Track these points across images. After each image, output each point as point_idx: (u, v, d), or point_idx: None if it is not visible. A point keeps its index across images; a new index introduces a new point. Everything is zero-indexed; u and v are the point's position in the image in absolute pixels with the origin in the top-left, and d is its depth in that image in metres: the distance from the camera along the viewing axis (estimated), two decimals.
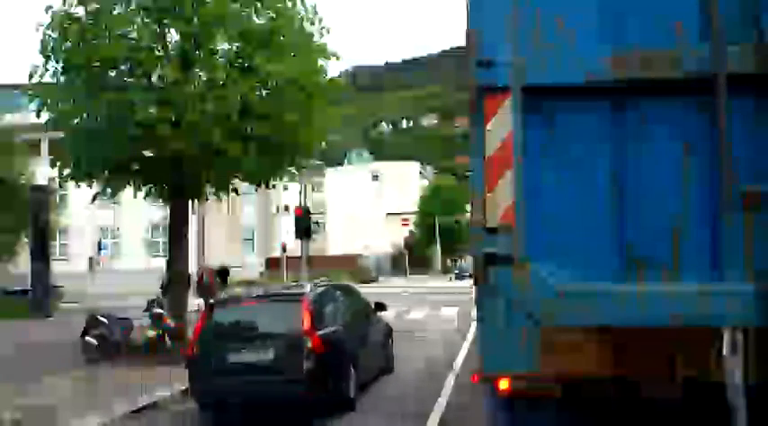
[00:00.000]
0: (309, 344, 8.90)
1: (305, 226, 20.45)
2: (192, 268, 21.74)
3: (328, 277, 22.71)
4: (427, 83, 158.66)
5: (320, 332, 9.18)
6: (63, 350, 14.31)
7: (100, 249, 40.71)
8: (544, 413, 4.61)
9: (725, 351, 3.86)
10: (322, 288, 10.65)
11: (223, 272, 29.44)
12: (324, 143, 17.37)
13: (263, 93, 13.92)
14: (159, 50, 13.68)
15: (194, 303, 23.82)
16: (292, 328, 9.11)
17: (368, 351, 10.86)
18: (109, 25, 13.15)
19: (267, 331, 9.35)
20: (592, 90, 4.04)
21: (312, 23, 14.40)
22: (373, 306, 12.18)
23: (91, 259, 39.80)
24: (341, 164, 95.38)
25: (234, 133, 13.17)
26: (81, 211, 34.85)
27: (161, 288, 17.69)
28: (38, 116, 13.98)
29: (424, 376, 11.89)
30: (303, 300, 9.46)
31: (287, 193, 55.29)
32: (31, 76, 13.55)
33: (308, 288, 10.36)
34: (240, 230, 52.72)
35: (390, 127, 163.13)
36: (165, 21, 13.51)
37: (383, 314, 12.64)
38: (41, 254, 23.64)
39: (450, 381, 11.03)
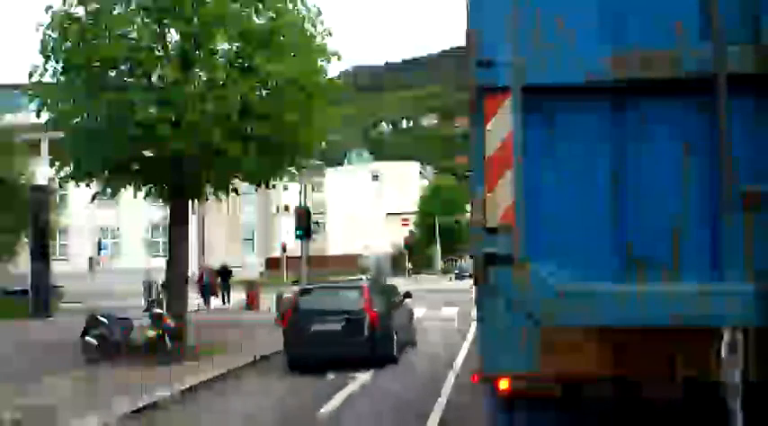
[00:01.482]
0: (368, 318, 12.80)
1: (305, 225, 20.42)
2: (193, 268, 21.78)
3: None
4: (427, 83, 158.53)
5: (374, 310, 13.01)
6: (63, 350, 14.30)
7: (100, 249, 40.68)
8: (544, 413, 4.61)
9: (723, 351, 3.86)
10: (371, 280, 16.37)
11: (224, 272, 29.50)
12: (324, 143, 17.36)
13: (263, 93, 13.91)
14: (159, 50, 13.66)
15: (194, 303, 23.87)
16: (355, 307, 13.07)
17: (401, 326, 14.39)
18: (109, 25, 13.13)
19: (338, 309, 13.19)
20: (592, 90, 4.04)
21: (314, 26, 14.37)
22: (403, 295, 16.12)
23: (91, 259, 39.78)
24: (341, 164, 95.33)
25: (234, 133, 13.16)
26: (81, 211, 34.82)
27: (162, 287, 17.69)
28: (38, 116, 13.96)
29: (425, 371, 11.92)
30: (363, 287, 13.92)
31: (287, 193, 55.24)
32: (30, 76, 13.53)
33: (363, 280, 15.49)
34: (240, 230, 52.73)
35: (390, 127, 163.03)
36: (165, 21, 13.49)
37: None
38: (41, 254, 23.61)
39: (450, 379, 11.07)
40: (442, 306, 24.72)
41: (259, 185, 16.21)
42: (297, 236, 20.13)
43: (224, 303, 28.04)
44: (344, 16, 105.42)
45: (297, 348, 13.03)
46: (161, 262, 20.95)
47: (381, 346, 12.84)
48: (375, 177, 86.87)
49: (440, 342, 16.09)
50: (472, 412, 8.41)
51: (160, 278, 21.96)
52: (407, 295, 16.23)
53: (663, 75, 3.95)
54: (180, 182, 14.54)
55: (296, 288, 18.17)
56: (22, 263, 26.28)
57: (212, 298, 27.67)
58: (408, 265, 53.48)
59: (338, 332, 12.72)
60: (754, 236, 3.84)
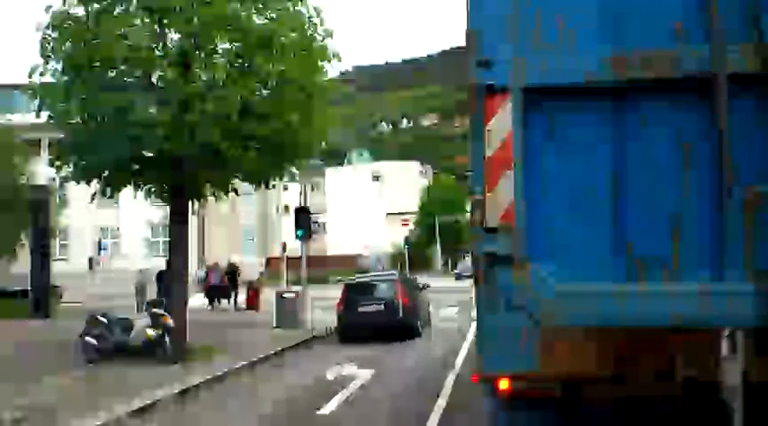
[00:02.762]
0: (401, 303, 17.34)
1: (305, 225, 20.41)
2: (192, 268, 21.72)
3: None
4: (427, 83, 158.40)
5: (405, 297, 17.62)
6: (63, 350, 14.28)
7: (100, 249, 40.65)
8: (544, 413, 4.61)
9: (724, 352, 3.86)
10: (401, 275, 21.54)
11: (231, 272, 29.39)
12: (324, 143, 17.35)
13: (264, 92, 13.89)
14: (159, 50, 13.65)
15: (198, 303, 23.83)
16: (391, 294, 17.78)
17: (422, 309, 19.29)
18: (109, 25, 13.11)
19: (378, 295, 18.10)
20: (592, 90, 4.04)
21: (315, 26, 14.33)
22: (422, 285, 21.25)
23: (91, 259, 39.74)
24: (341, 164, 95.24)
25: (234, 133, 13.14)
26: (81, 211, 34.77)
27: (158, 286, 17.58)
28: (38, 116, 13.93)
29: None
30: (396, 280, 19.03)
31: (287, 193, 55.19)
32: (30, 75, 13.51)
33: (396, 274, 21.83)
34: (240, 230, 52.66)
35: (390, 127, 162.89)
36: (165, 21, 13.48)
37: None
38: (41, 254, 23.59)
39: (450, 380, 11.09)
40: (442, 308, 24.69)
41: (259, 185, 16.18)
42: (297, 236, 20.13)
43: (230, 303, 27.96)
44: (345, 16, 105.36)
45: (349, 324, 17.61)
46: (161, 262, 20.97)
47: (410, 323, 17.39)
48: (375, 177, 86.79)
49: (440, 342, 16.14)
50: (471, 416, 8.41)
51: (153, 278, 22.04)
52: (425, 286, 21.45)
53: (663, 75, 3.95)
54: (180, 182, 14.51)
55: (297, 288, 21.21)
56: (22, 263, 26.24)
57: (223, 300, 27.48)
58: (402, 270, 52.02)
59: (379, 313, 17.36)
60: (754, 236, 3.84)
